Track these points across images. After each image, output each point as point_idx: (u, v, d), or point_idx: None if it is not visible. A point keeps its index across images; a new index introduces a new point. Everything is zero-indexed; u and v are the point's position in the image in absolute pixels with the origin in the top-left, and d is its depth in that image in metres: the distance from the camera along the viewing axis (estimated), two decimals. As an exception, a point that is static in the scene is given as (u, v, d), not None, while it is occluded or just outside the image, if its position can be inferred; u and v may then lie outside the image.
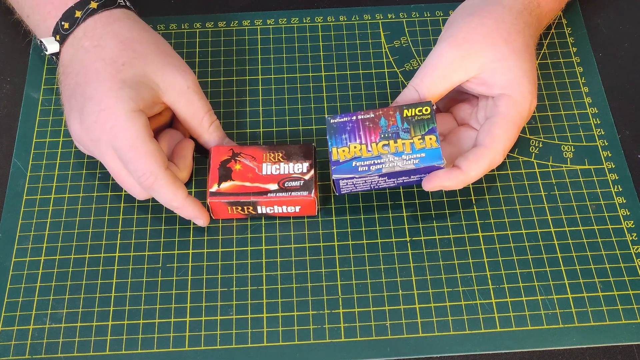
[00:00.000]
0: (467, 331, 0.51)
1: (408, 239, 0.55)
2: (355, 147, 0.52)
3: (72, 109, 0.54)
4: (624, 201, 0.56)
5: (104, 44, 0.53)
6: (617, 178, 0.57)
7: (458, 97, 0.58)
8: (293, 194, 0.53)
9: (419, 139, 0.52)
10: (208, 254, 0.55)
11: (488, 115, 0.54)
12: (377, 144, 0.52)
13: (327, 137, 0.53)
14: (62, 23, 0.54)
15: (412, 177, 0.53)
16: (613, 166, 0.58)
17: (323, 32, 0.65)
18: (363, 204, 0.57)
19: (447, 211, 0.56)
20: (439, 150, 0.52)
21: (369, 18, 0.67)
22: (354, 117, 0.53)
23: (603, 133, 0.60)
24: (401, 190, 0.57)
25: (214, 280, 0.53)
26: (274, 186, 0.54)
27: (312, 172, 0.54)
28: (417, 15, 0.67)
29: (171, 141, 0.56)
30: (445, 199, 0.57)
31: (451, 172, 0.52)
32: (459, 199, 0.57)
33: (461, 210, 0.56)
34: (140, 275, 0.54)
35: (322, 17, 0.67)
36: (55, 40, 0.55)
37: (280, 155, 0.55)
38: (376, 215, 0.56)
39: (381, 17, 0.67)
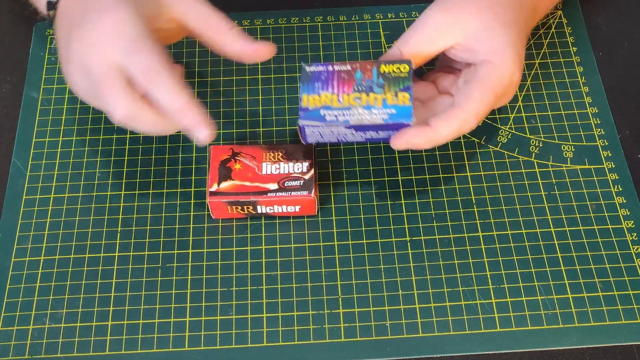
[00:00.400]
0: (467, 331, 0.51)
1: (408, 238, 0.55)
2: (326, 97, 0.52)
3: (72, 32, 0.51)
4: (624, 201, 0.56)
5: None
6: (617, 178, 0.57)
7: (442, 69, 0.58)
8: (293, 193, 0.53)
9: (392, 95, 0.52)
10: (208, 253, 0.54)
11: (467, 80, 0.54)
12: (348, 96, 0.52)
13: (299, 83, 0.53)
14: None
15: (380, 132, 0.53)
16: (613, 166, 0.58)
17: (323, 32, 0.65)
18: (363, 203, 0.57)
19: (447, 211, 0.56)
20: (411, 108, 0.51)
21: (369, 18, 0.67)
22: (330, 67, 0.53)
23: (603, 133, 0.60)
24: (401, 189, 0.57)
25: (214, 280, 0.53)
26: (273, 186, 0.54)
27: (312, 171, 0.54)
28: (417, 15, 0.66)
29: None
30: (445, 199, 0.57)
31: (421, 129, 0.51)
32: (459, 198, 0.57)
33: (461, 210, 0.56)
34: (139, 275, 0.54)
35: (322, 17, 0.67)
36: None
37: (280, 154, 0.55)
38: (376, 215, 0.56)
39: (381, 17, 0.67)
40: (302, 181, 0.54)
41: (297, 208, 0.54)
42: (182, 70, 0.56)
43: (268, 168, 0.54)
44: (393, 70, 0.52)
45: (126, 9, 0.50)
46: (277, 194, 0.53)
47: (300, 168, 0.54)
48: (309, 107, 0.52)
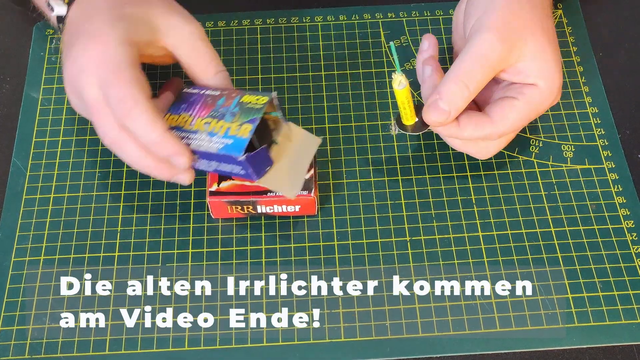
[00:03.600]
0: (466, 331, 0.51)
1: (408, 238, 0.55)
2: (182, 117, 0.51)
3: (69, 49, 0.52)
4: (624, 201, 0.56)
5: None
6: (617, 178, 0.57)
7: None
8: None
9: (236, 126, 0.49)
10: (207, 253, 0.54)
11: (508, 96, 0.52)
12: (202, 120, 0.50)
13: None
14: None
15: (222, 164, 0.50)
16: (613, 166, 0.58)
17: (323, 32, 0.65)
18: (363, 203, 0.56)
19: (447, 211, 0.56)
20: (245, 141, 0.48)
21: (369, 17, 0.67)
22: (203, 91, 0.52)
23: (603, 133, 0.60)
24: (401, 189, 0.57)
25: (214, 279, 0.53)
26: None
27: (312, 171, 0.54)
28: (417, 15, 0.67)
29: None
30: (445, 199, 0.57)
31: (449, 121, 0.51)
32: (459, 198, 0.57)
33: (461, 210, 0.56)
34: (139, 275, 0.53)
35: (322, 17, 0.66)
36: (65, 3, 0.54)
37: None
38: (376, 215, 0.56)
39: (381, 17, 0.67)
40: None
41: (297, 208, 0.54)
42: (181, 84, 0.56)
43: None
44: (251, 101, 0.50)
45: (114, 35, 0.50)
46: (277, 193, 0.53)
47: None
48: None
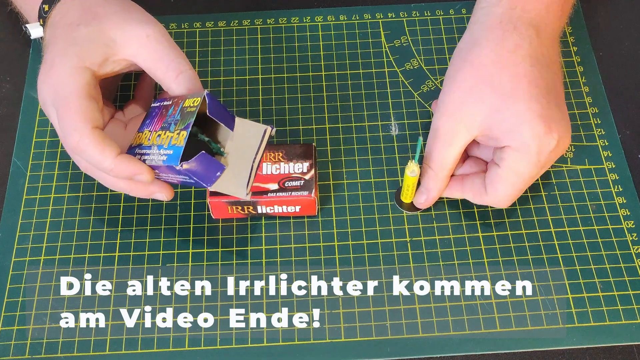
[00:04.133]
0: (467, 331, 0.51)
1: (408, 239, 0.55)
2: (145, 135, 0.50)
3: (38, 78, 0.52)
4: (624, 201, 0.56)
5: (69, 14, 0.53)
6: (617, 178, 0.57)
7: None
8: (293, 193, 0.53)
9: (176, 134, 0.47)
10: (208, 253, 0.54)
11: (494, 156, 0.52)
12: (155, 133, 0.49)
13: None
14: (43, 6, 0.54)
15: (176, 175, 0.48)
16: (613, 166, 0.58)
17: (323, 32, 0.65)
18: (363, 204, 0.56)
19: (447, 211, 0.56)
20: (181, 149, 0.45)
21: (369, 17, 0.66)
22: (163, 102, 0.51)
23: (603, 133, 0.60)
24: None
25: (214, 279, 0.53)
26: (274, 186, 0.54)
27: (313, 172, 0.54)
28: (418, 15, 0.67)
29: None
30: (445, 199, 0.57)
31: (430, 202, 0.55)
32: (458, 198, 0.57)
33: (461, 211, 0.56)
34: (140, 275, 0.53)
35: (322, 17, 0.66)
36: (40, 24, 0.55)
37: (281, 155, 0.55)
38: (376, 216, 0.56)
39: (381, 17, 0.66)
40: (302, 181, 0.54)
41: (298, 208, 0.54)
42: (151, 82, 0.56)
43: (268, 168, 0.54)
44: (189, 105, 0.48)
45: (65, 65, 0.50)
46: (278, 194, 0.53)
47: (300, 168, 0.54)
48: (132, 144, 0.51)
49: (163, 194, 0.52)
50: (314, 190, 0.53)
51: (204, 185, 0.47)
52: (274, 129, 0.49)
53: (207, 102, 0.46)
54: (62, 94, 0.49)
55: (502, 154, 0.51)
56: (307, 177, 0.54)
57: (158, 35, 0.52)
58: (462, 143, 0.52)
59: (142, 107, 0.56)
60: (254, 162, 0.49)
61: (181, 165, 0.45)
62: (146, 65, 0.52)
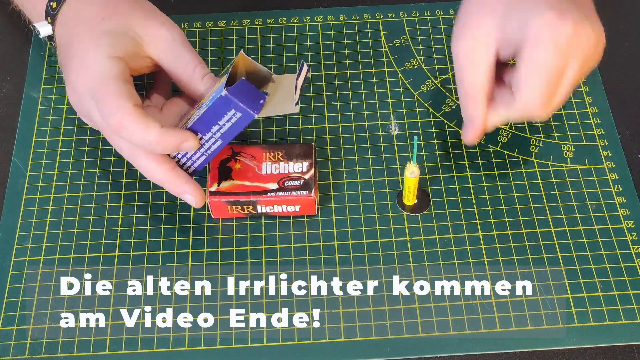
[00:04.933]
0: (467, 331, 0.51)
1: (408, 238, 0.55)
2: (182, 121, 0.54)
3: (66, 75, 0.53)
4: (624, 201, 0.56)
5: (85, 9, 0.53)
6: (617, 178, 0.57)
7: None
8: (293, 193, 0.53)
9: (214, 90, 0.51)
10: (207, 253, 0.54)
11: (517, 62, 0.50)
12: (193, 111, 0.53)
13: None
14: (50, 4, 0.54)
15: (221, 123, 0.50)
16: (613, 166, 0.58)
17: (323, 32, 0.65)
18: (363, 203, 0.56)
19: (447, 211, 0.56)
20: (223, 84, 0.49)
21: (369, 17, 0.66)
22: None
23: (603, 132, 0.60)
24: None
25: (214, 279, 0.53)
26: (273, 185, 0.54)
27: (312, 171, 0.54)
28: (417, 14, 0.67)
29: (176, 110, 0.55)
30: (445, 199, 0.57)
31: (479, 130, 0.52)
32: (459, 198, 0.57)
33: (461, 210, 0.56)
34: (139, 275, 0.53)
35: (322, 17, 0.66)
36: (48, 22, 0.55)
37: (280, 154, 0.55)
38: (376, 215, 0.56)
39: (381, 16, 0.66)
40: (302, 181, 0.54)
41: (297, 208, 0.54)
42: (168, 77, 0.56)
43: (268, 168, 0.54)
44: (221, 79, 0.52)
45: (99, 55, 0.50)
46: (277, 193, 0.53)
47: (300, 168, 0.54)
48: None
49: (193, 197, 0.52)
50: (313, 190, 0.53)
51: (251, 113, 0.49)
52: (309, 71, 0.53)
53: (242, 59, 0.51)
54: (101, 80, 0.49)
55: (521, 53, 0.49)
56: (306, 176, 0.54)
57: (183, 40, 0.53)
58: (485, 61, 0.50)
59: (164, 94, 0.57)
60: (296, 86, 0.52)
61: (227, 91, 0.48)
62: (172, 66, 0.53)
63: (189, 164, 0.53)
